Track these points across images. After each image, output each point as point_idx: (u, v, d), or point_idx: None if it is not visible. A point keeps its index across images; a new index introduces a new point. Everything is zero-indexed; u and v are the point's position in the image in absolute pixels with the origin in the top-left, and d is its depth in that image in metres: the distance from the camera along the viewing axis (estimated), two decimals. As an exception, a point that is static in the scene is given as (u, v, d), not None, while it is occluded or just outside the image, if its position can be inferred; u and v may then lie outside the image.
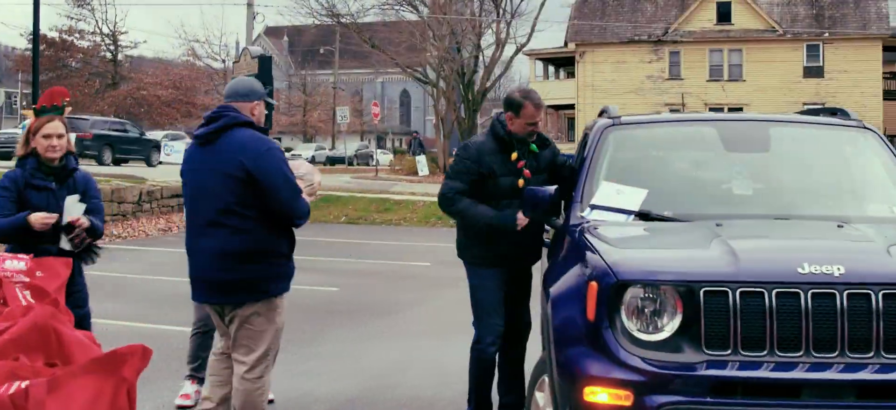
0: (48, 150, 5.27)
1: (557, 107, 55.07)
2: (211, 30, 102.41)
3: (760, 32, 48.02)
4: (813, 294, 3.73)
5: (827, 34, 47.21)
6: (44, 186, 5.25)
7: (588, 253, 4.21)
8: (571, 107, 51.82)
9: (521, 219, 5.45)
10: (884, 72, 47.71)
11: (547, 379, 4.48)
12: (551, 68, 56.74)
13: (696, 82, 48.55)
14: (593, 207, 4.95)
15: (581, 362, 3.93)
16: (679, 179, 5.34)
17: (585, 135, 6.68)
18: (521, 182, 5.58)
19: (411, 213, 23.37)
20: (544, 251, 6.05)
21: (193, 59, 54.97)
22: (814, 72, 47.56)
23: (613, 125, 5.44)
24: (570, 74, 52.87)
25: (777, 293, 3.73)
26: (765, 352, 3.73)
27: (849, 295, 3.72)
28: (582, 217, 4.91)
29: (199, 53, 55.19)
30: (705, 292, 3.77)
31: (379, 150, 55.86)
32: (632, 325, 3.88)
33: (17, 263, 3.47)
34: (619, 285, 3.87)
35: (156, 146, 34.58)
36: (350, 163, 52.07)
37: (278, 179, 4.79)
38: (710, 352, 3.76)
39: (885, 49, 47.37)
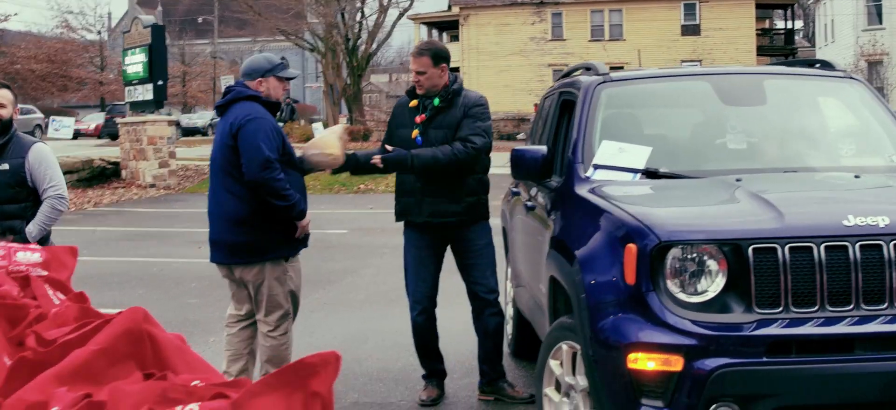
0: None
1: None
2: (85, 1, 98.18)
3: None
4: (860, 246, 3.65)
5: (703, -7, 48.40)
6: None
7: (615, 214, 4.03)
8: (456, 70, 51.76)
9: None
10: (756, 29, 49.30)
11: (564, 347, 4.30)
12: (435, 32, 56.51)
13: (578, 43, 49.15)
14: (597, 166, 4.79)
15: (623, 328, 3.76)
16: (680, 135, 5.22)
17: (548, 98, 6.52)
18: (415, 133, 5.67)
19: (314, 181, 22.85)
20: (523, 215, 5.88)
21: (67, 31, 52.46)
22: (691, 30, 48.77)
23: (604, 82, 5.27)
24: (455, 38, 52.76)
25: (826, 247, 3.64)
26: (816, 308, 3.64)
27: (895, 245, 3.65)
28: (587, 177, 4.74)
29: (73, 25, 52.77)
30: (754, 249, 3.63)
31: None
32: (675, 287, 3.72)
33: (31, 255, 3.02)
34: (662, 246, 3.70)
35: (39, 125, 38.33)
36: (205, 134, 49.05)
37: (248, 146, 5.07)
38: (761, 311, 3.64)
39: (758, 6, 48.93)
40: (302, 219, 5.27)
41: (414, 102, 5.75)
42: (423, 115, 5.68)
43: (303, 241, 5.48)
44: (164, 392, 1.74)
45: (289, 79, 5.45)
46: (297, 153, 5.50)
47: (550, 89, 6.57)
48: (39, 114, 41.26)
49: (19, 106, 5.87)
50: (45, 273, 2.92)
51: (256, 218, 5.19)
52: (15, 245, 3.07)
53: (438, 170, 5.54)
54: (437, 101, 5.67)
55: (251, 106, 5.22)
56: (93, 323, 2.14)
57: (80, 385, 1.89)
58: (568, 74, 6.35)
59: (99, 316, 2.29)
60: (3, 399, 1.76)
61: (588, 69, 5.67)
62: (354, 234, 14.83)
